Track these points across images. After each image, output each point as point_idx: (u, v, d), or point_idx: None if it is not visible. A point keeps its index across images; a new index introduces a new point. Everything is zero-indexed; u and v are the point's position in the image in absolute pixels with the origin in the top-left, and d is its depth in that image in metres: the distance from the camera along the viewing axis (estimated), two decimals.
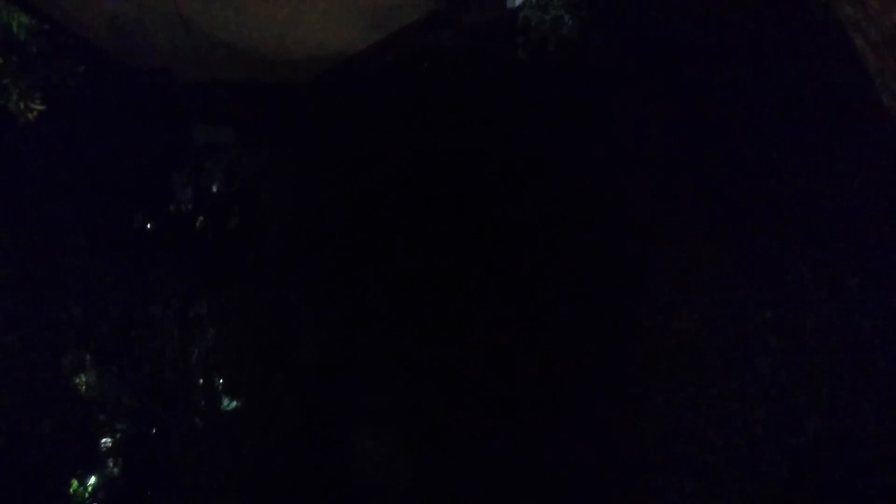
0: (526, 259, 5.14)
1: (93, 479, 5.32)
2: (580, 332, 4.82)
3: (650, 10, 3.78)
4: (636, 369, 4.48)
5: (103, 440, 5.46)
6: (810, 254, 3.68)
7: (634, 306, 4.50)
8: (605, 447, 4.47)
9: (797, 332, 3.68)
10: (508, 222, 5.16)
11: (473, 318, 5.51)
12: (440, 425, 5.58)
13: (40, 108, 4.10)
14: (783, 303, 3.67)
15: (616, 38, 3.90)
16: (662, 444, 4.06)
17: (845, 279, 3.62)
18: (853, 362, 3.52)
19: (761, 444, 3.70)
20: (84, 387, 5.49)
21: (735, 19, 3.63)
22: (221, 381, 6.02)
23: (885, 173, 3.39)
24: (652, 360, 4.26)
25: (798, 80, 3.54)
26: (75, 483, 5.21)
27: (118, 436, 5.49)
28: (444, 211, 5.62)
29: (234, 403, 6.02)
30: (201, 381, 5.96)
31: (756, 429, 3.70)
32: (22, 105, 4.05)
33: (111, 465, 5.49)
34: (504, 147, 4.93)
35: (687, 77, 3.80)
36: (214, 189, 6.13)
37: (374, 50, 4.93)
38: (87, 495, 5.26)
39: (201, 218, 6.14)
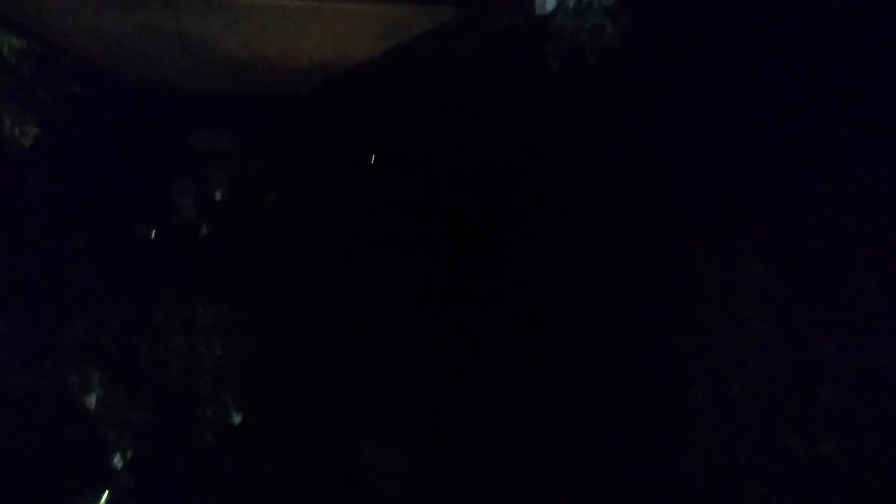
0: (545, 271, 5.02)
1: (103, 501, 5.26)
2: (592, 343, 4.73)
3: (700, 18, 3.45)
4: (650, 382, 4.39)
5: (114, 459, 5.39)
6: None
7: (653, 320, 4.39)
8: (615, 457, 4.38)
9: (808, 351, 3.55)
10: (524, 235, 5.02)
11: (485, 324, 5.41)
12: (457, 434, 5.50)
13: (35, 131, 3.91)
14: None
15: (661, 47, 3.60)
16: (672, 467, 3.97)
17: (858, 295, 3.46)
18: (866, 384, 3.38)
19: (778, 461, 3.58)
20: (93, 405, 5.39)
21: (790, 26, 3.34)
22: (230, 394, 5.90)
23: None
24: (665, 371, 4.14)
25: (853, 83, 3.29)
26: None
27: (128, 455, 5.41)
28: (453, 219, 5.45)
29: (242, 417, 5.92)
30: (209, 394, 5.85)
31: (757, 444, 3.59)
32: (17, 130, 3.86)
33: (121, 484, 5.41)
34: (524, 160, 4.74)
35: (738, 90, 3.53)
36: (217, 197, 5.92)
37: (383, 58, 4.70)
38: None
39: (205, 226, 5.94)
